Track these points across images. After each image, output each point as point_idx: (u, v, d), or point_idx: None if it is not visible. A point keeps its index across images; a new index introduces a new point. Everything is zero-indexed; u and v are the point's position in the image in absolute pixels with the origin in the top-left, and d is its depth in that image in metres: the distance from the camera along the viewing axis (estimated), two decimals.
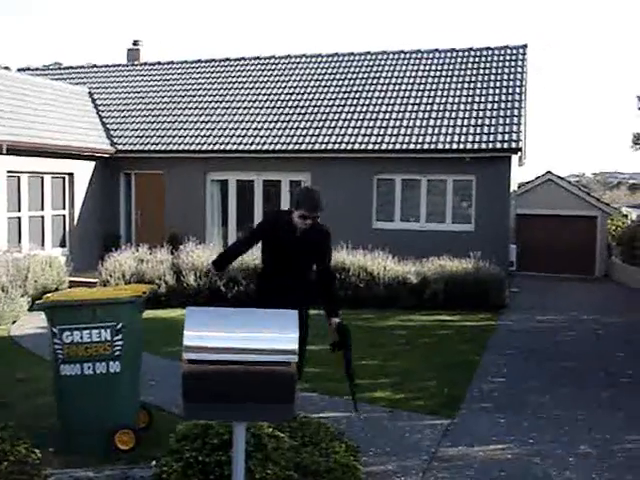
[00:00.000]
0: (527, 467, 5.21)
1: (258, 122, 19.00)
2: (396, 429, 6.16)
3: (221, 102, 20.29)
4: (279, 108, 19.41)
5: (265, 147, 17.97)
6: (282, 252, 5.96)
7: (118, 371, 5.47)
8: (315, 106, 19.27)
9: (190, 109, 20.28)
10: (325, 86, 20.11)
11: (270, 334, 2.88)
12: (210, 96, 20.71)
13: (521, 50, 19.95)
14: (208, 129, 19.19)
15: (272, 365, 2.83)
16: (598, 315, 13.70)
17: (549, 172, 25.34)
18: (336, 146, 17.47)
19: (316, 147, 17.63)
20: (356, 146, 17.30)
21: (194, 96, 20.88)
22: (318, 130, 18.19)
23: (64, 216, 18.02)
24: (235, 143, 18.37)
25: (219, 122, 19.39)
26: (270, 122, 18.86)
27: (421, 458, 5.38)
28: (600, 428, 6.20)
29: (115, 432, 5.39)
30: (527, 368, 8.67)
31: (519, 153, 17.44)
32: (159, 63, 23.33)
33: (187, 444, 4.09)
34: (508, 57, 19.78)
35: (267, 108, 19.53)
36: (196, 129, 19.30)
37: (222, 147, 18.36)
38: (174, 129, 19.51)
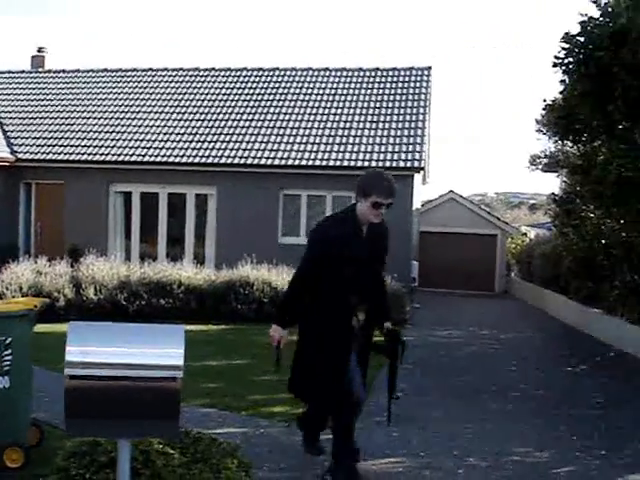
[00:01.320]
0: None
1: (164, 134, 18.83)
2: (292, 444, 6.16)
3: (127, 112, 20.02)
4: (186, 121, 19.30)
5: (171, 159, 17.83)
6: (350, 269, 4.88)
7: (7, 386, 5.30)
8: (223, 120, 19.25)
9: (95, 118, 19.92)
10: (233, 100, 20.13)
11: (155, 349, 2.87)
12: (116, 106, 20.40)
13: (426, 72, 20.50)
14: (112, 139, 18.90)
15: (157, 381, 2.82)
16: (495, 330, 14.13)
17: (451, 191, 26.03)
18: (243, 160, 17.50)
19: (222, 161, 17.61)
20: (262, 161, 17.38)
21: (99, 105, 20.53)
22: (225, 144, 18.17)
23: None
24: (140, 155, 18.15)
25: (124, 132, 19.12)
26: (177, 134, 18.74)
27: (315, 472, 5.42)
28: (490, 440, 6.39)
29: (4, 449, 5.22)
30: (424, 383, 8.85)
31: (422, 172, 17.86)
32: (64, 71, 22.82)
33: (74, 461, 4.00)
34: (413, 78, 20.29)
35: (174, 120, 19.39)
36: (100, 139, 18.97)
37: (126, 158, 18.12)
38: (77, 138, 19.12)
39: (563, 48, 10.42)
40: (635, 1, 9.40)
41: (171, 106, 20.11)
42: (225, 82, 21.11)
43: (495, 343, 12.42)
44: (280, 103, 19.76)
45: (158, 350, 2.86)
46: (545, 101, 12.78)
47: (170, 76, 21.65)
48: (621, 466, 5.84)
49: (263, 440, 6.29)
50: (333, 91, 20.06)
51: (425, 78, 20.27)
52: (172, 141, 18.50)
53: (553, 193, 16.25)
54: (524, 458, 5.96)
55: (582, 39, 10.25)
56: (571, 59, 10.27)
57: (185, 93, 20.67)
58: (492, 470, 5.56)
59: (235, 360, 10.03)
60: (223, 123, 19.12)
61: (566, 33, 10.36)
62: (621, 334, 12.39)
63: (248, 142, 18.17)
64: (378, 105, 19.09)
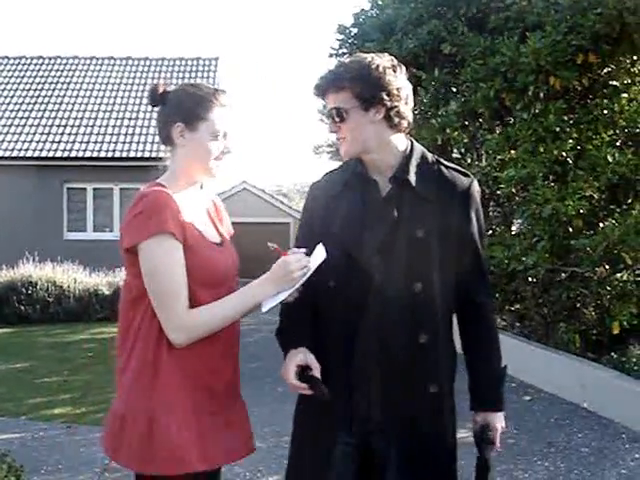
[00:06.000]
0: None
1: None
2: (72, 444, 5.99)
3: None
4: None
5: None
6: (359, 268, 2.34)
7: None
8: None
9: None
10: (11, 90, 19.10)
11: None
12: None
13: (214, 62, 20.48)
14: None
15: None
16: None
17: (244, 182, 26.19)
18: (22, 153, 16.67)
19: None
20: (44, 153, 16.63)
21: None
22: (2, 136, 17.18)
23: None
24: None
25: None
26: None
27: (94, 470, 5.30)
28: (273, 422, 6.52)
29: None
30: None
31: None
32: None
33: None
34: (201, 68, 20.21)
35: None
36: None
37: None
38: None
39: (338, 39, 10.79)
40: None
41: None
42: (2, 71, 19.90)
43: None
44: (62, 92, 18.98)
45: None
46: None
47: None
48: None
49: (42, 443, 6.07)
50: (118, 80, 19.55)
51: (213, 68, 20.26)
52: None
53: None
54: None
55: (355, 30, 10.66)
56: (345, 50, 10.65)
57: None
58: (272, 451, 5.70)
59: (17, 364, 9.55)
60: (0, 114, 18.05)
61: (340, 24, 10.73)
62: None
63: (27, 134, 17.29)
64: None
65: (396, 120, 2.33)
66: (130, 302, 2.31)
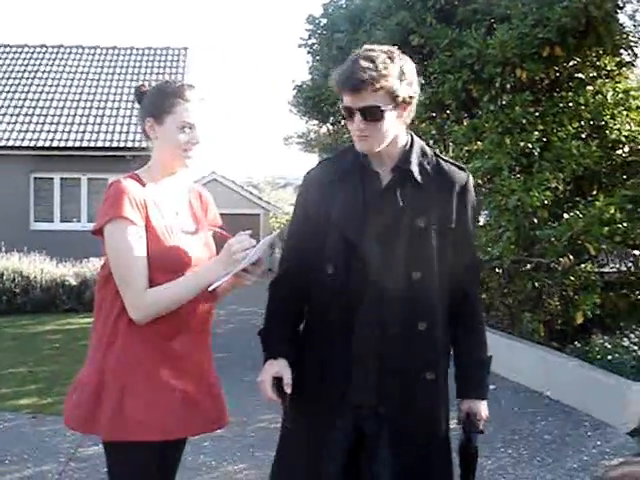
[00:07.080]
0: None
1: None
2: (37, 434, 5.95)
3: None
4: None
5: None
6: (356, 254, 2.34)
7: None
8: None
9: None
10: None
11: None
12: None
13: (183, 52, 20.35)
14: None
15: None
16: (256, 307, 14.37)
17: (213, 172, 26.03)
18: None
19: None
20: (10, 142, 16.42)
21: None
22: None
23: None
24: None
25: None
26: None
27: (59, 460, 5.27)
28: (239, 412, 6.52)
29: None
30: None
31: None
32: None
33: None
34: (170, 57, 20.07)
35: None
36: None
37: None
38: None
39: (307, 29, 10.80)
40: None
41: None
42: None
43: (254, 319, 12.67)
44: (29, 81, 18.74)
45: None
46: (294, 82, 13.13)
47: None
48: None
49: (7, 433, 6.03)
50: (86, 69, 19.34)
51: (182, 58, 20.13)
52: None
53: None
54: (268, 425, 6.13)
55: (324, 21, 10.67)
56: (314, 40, 10.67)
57: None
58: (237, 439, 5.71)
59: None
60: None
61: (309, 15, 10.74)
62: None
63: None
64: (134, 84, 18.58)
65: (410, 117, 2.39)
66: (104, 278, 2.49)
